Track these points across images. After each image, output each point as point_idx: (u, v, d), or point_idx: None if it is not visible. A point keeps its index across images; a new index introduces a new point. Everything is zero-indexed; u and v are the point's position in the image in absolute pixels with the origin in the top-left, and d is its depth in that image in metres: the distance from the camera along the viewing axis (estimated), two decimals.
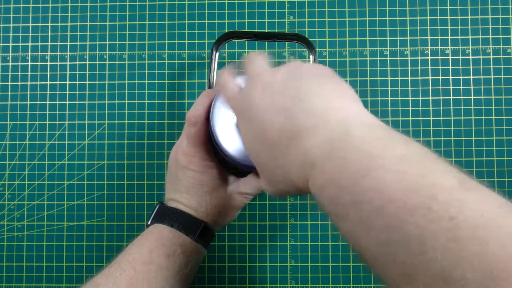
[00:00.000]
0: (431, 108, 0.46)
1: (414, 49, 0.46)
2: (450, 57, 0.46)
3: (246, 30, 0.47)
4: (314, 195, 0.26)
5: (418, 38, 0.46)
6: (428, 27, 0.46)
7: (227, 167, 0.37)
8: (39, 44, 0.47)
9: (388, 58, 0.46)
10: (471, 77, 0.46)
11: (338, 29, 0.47)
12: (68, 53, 0.47)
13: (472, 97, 0.46)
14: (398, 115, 0.46)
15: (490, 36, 0.46)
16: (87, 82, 0.47)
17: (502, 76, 0.46)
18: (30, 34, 0.48)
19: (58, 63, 0.47)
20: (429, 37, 0.46)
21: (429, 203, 0.20)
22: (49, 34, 0.48)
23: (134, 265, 0.33)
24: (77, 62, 0.47)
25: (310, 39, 0.41)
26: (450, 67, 0.46)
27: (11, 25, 0.48)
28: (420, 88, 0.46)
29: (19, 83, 0.47)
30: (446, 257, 0.19)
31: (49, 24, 0.48)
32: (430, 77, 0.46)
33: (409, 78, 0.46)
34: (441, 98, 0.46)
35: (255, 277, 0.45)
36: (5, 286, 0.45)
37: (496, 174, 0.45)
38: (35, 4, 0.48)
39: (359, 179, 0.22)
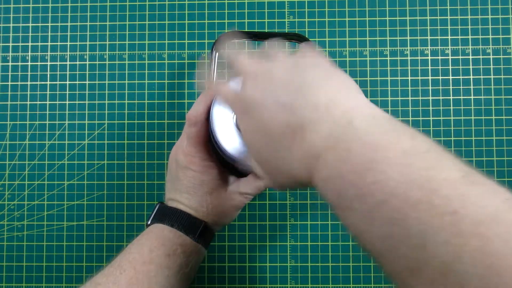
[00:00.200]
0: (431, 108, 0.46)
1: (414, 49, 0.46)
2: (450, 57, 0.46)
3: (246, 30, 0.47)
4: (318, 188, 0.26)
5: (418, 38, 0.46)
6: (428, 27, 0.46)
7: (227, 167, 0.37)
8: (39, 44, 0.47)
9: (388, 58, 0.46)
10: (471, 77, 0.46)
11: (338, 29, 0.47)
12: (68, 53, 0.47)
13: (472, 97, 0.46)
14: (398, 115, 0.46)
15: (490, 36, 0.46)
16: (87, 82, 0.47)
17: (502, 76, 0.46)
18: (30, 34, 0.48)
19: (58, 63, 0.47)
20: (429, 37, 0.46)
21: (432, 197, 0.20)
22: (49, 34, 0.48)
23: (134, 265, 0.33)
24: (77, 62, 0.47)
25: (310, 39, 0.41)
26: (450, 67, 0.46)
27: (11, 25, 0.48)
28: (420, 88, 0.46)
29: (19, 83, 0.47)
30: (448, 252, 0.18)
31: (49, 24, 0.48)
32: (430, 77, 0.46)
33: (409, 78, 0.46)
34: (441, 98, 0.46)
35: (255, 277, 0.45)
36: (5, 286, 0.45)
37: (496, 174, 0.45)
38: (35, 4, 0.48)
39: (363, 172, 0.22)
